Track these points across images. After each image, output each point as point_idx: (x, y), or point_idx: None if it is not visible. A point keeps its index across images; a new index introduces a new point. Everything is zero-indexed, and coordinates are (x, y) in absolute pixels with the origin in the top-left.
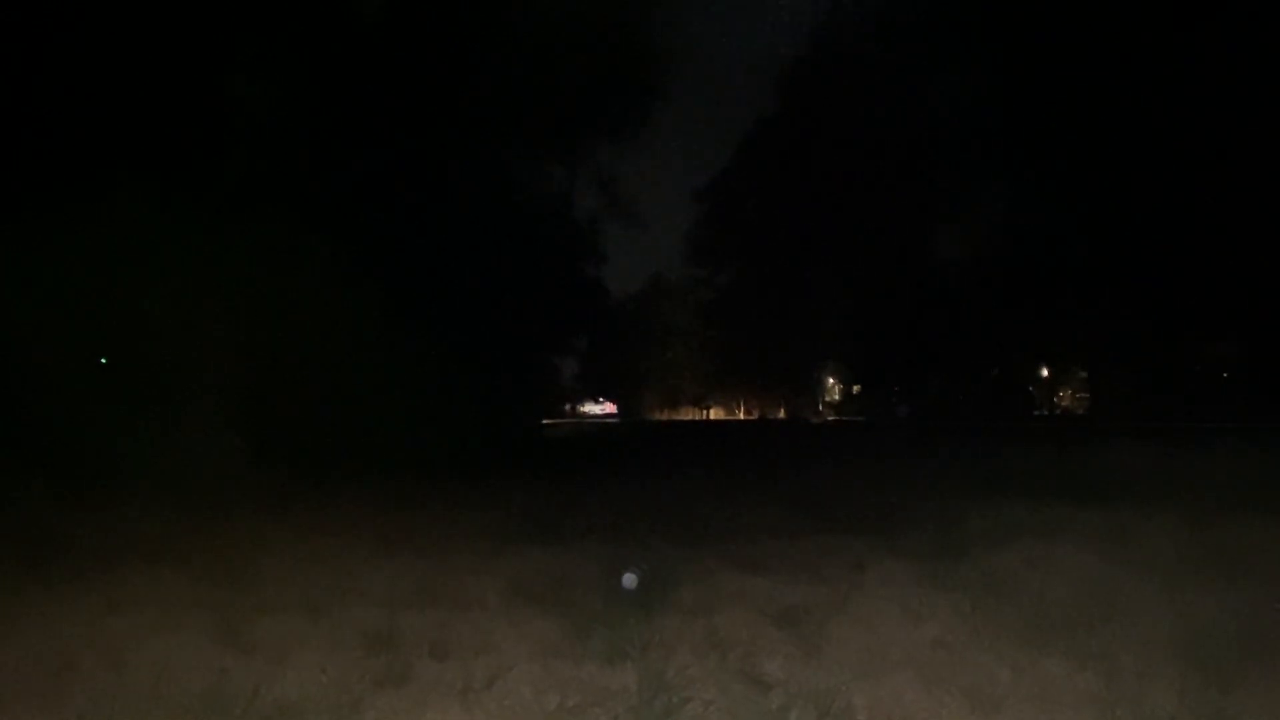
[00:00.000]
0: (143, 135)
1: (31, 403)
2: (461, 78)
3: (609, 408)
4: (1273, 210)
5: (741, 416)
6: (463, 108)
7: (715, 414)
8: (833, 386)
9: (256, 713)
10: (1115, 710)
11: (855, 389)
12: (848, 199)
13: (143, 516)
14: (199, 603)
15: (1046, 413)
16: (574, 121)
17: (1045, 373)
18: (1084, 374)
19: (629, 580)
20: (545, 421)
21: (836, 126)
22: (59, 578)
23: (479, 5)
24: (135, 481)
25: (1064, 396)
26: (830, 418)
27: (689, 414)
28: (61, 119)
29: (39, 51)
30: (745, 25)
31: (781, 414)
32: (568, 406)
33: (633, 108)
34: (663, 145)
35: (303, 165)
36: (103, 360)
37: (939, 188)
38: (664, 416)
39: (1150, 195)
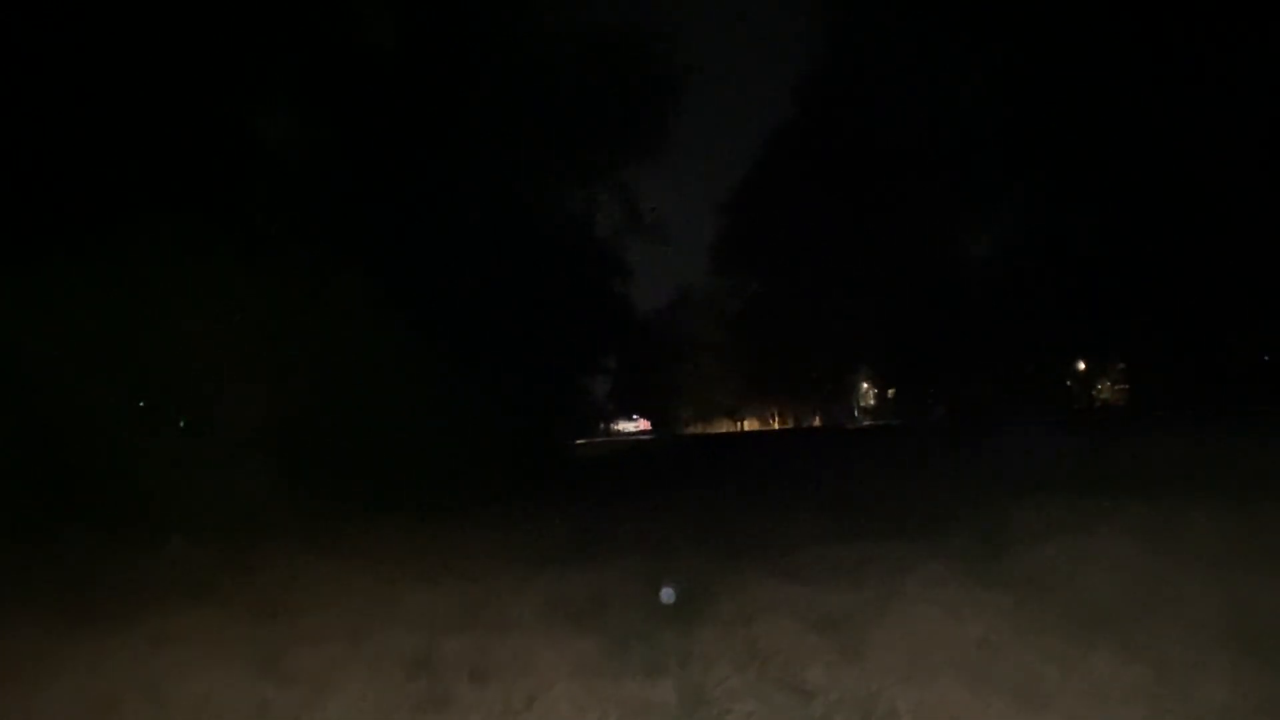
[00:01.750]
0: (174, 178)
1: (70, 443)
2: (482, 101)
3: (642, 425)
4: None
5: (776, 426)
6: (484, 131)
7: (749, 425)
8: (866, 391)
9: None
10: (1166, 702)
11: (890, 392)
12: (873, 201)
13: (181, 551)
14: (239, 635)
15: (1085, 406)
16: (595, 140)
17: (1082, 366)
18: (1122, 365)
19: (667, 594)
20: (579, 441)
21: (858, 129)
22: (101, 615)
23: (498, 28)
24: (173, 516)
25: (1103, 389)
26: (865, 422)
27: (723, 427)
28: (95, 162)
29: (75, 93)
30: (762, 32)
31: (816, 421)
32: (601, 425)
33: (653, 123)
34: (683, 158)
35: (331, 198)
36: (139, 401)
37: (966, 186)
38: (698, 430)
39: (1181, 183)
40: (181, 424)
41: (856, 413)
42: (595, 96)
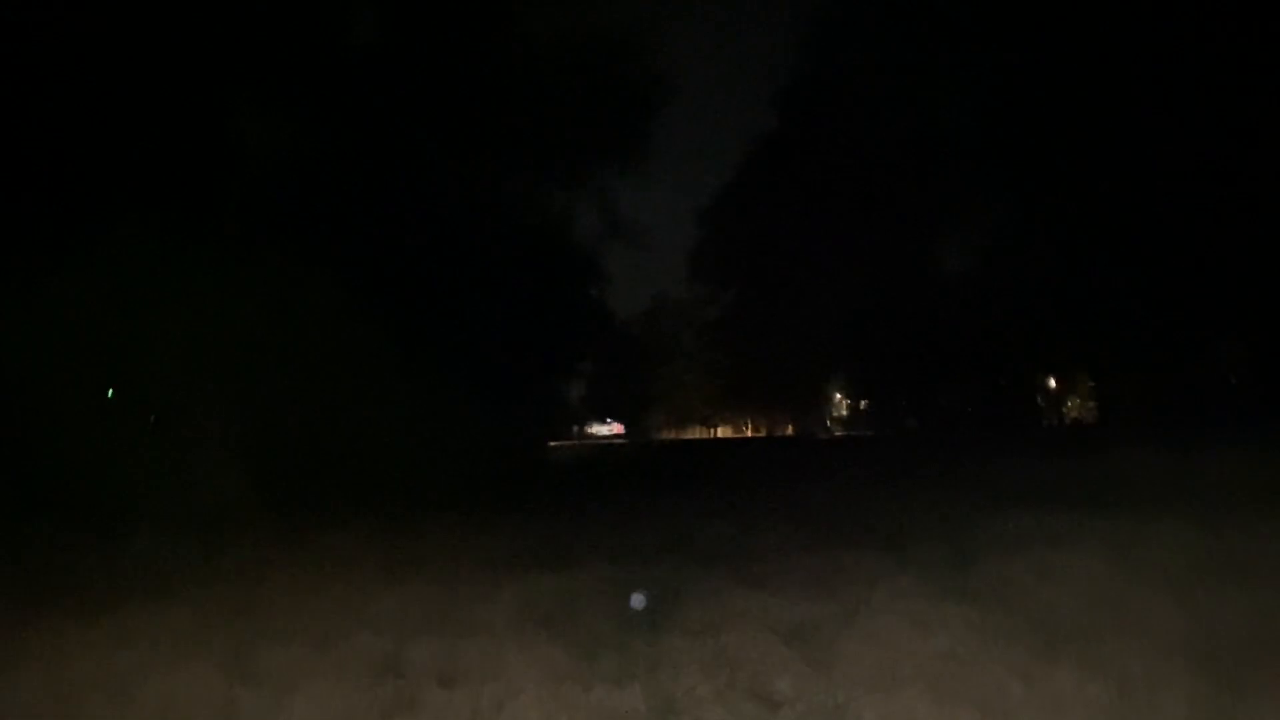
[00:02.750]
0: (147, 171)
1: (40, 438)
2: (463, 106)
3: (616, 429)
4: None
5: (749, 434)
6: (465, 135)
7: (722, 432)
8: (839, 402)
9: None
10: (1128, 718)
11: (863, 404)
12: (850, 213)
13: (150, 548)
14: (207, 634)
15: (1055, 422)
16: (575, 146)
17: (1053, 382)
18: (1091, 382)
19: (637, 601)
20: (552, 444)
21: (838, 141)
22: (66, 611)
23: (480, 33)
24: (143, 513)
25: (1072, 405)
26: (837, 433)
27: (696, 433)
28: (69, 157)
29: (51, 94)
30: (744, 43)
31: (789, 431)
32: (575, 428)
33: (634, 131)
34: (663, 165)
35: (306, 199)
36: (109, 393)
37: (942, 200)
38: (671, 436)
39: (1152, 201)
40: (152, 419)
41: (829, 423)
42: (576, 101)
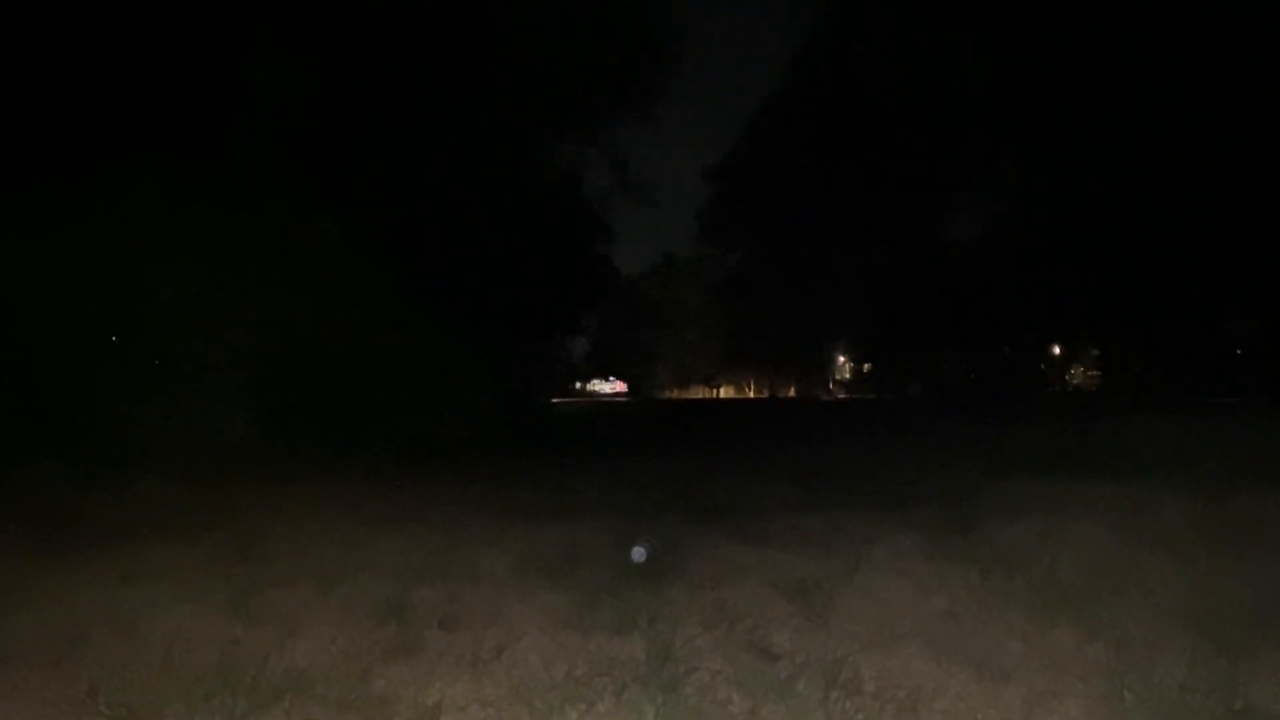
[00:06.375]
0: (153, 113)
1: (44, 380)
2: (473, 54)
3: (619, 386)
4: None
5: (751, 395)
6: (474, 84)
7: (725, 393)
8: (843, 365)
9: (266, 682)
10: (1124, 680)
11: (866, 367)
12: (860, 176)
13: (154, 491)
14: (211, 575)
15: (1059, 390)
16: (586, 99)
17: (1057, 350)
18: (1096, 351)
19: (638, 553)
20: (555, 400)
21: (849, 103)
22: (72, 550)
23: None
24: (147, 457)
25: (1076, 374)
26: (841, 396)
27: (699, 393)
28: (74, 97)
29: (53, 30)
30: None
31: (792, 392)
32: (577, 384)
33: (646, 85)
34: (674, 122)
35: (314, 143)
36: (113, 338)
37: (952, 165)
38: (674, 395)
39: (1161, 172)
40: (155, 363)
41: (832, 385)
42: (589, 51)
